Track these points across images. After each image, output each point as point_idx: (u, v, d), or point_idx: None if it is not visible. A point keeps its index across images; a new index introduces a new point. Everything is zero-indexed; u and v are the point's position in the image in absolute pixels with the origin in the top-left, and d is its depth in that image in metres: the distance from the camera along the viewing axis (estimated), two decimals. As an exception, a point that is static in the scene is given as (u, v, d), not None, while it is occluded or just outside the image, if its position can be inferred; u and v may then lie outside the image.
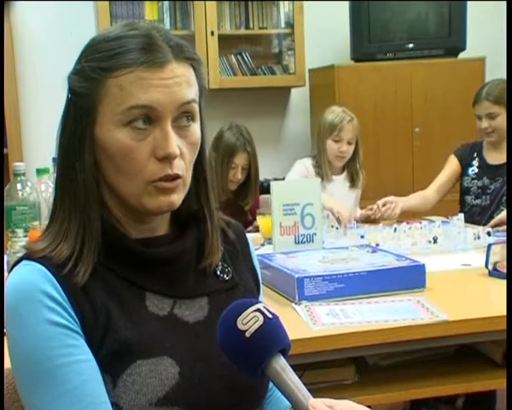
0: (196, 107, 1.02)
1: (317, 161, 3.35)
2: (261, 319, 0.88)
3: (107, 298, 0.98)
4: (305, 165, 3.35)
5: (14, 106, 4.12)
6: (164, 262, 1.04)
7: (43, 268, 0.96)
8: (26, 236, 2.09)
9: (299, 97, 4.71)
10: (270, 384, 1.09)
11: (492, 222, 2.94)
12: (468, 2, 4.46)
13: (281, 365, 0.87)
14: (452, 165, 3.41)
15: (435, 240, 2.63)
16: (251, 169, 3.32)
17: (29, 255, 0.99)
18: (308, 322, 1.71)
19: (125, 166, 0.98)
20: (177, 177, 1.00)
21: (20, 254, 1.02)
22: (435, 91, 4.37)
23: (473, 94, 3.31)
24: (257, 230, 3.02)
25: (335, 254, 2.15)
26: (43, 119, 4.16)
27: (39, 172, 2.39)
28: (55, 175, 1.05)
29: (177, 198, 1.01)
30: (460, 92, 4.24)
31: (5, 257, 2.11)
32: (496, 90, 3.17)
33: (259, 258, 1.71)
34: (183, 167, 1.00)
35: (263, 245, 2.72)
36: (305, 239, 2.44)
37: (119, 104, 0.96)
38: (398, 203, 3.29)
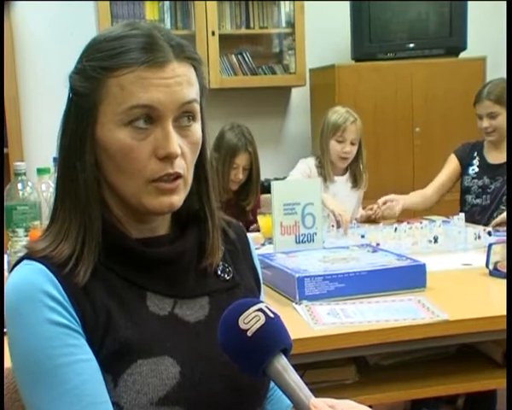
0: (197, 106, 1.02)
1: (320, 161, 3.35)
2: (263, 318, 0.88)
3: (107, 298, 0.98)
4: (308, 165, 3.35)
5: (15, 105, 4.12)
6: (164, 262, 1.04)
7: (44, 268, 0.96)
8: (26, 235, 2.09)
9: (300, 97, 4.71)
10: (272, 383, 1.09)
11: (494, 222, 2.94)
12: (469, 2, 4.45)
13: (282, 364, 0.87)
14: (452, 164, 3.42)
15: (436, 240, 2.63)
16: (252, 169, 3.31)
17: (30, 255, 0.99)
18: (309, 322, 1.71)
19: (126, 166, 0.98)
20: (177, 176, 1.00)
21: (20, 254, 1.02)
22: (436, 91, 4.37)
23: (473, 94, 3.31)
24: (258, 230, 3.02)
25: (336, 254, 2.16)
26: (44, 118, 4.16)
27: (40, 171, 2.39)
28: (55, 175, 1.05)
29: (178, 199, 1.01)
30: (461, 92, 4.23)
31: (6, 257, 2.11)
32: (497, 89, 3.17)
33: (260, 257, 1.71)
34: (184, 167, 1.00)
35: (263, 245, 2.73)
36: (305, 239, 2.44)
37: (120, 104, 0.96)
38: (399, 201, 3.29)
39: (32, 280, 0.95)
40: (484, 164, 3.30)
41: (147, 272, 1.03)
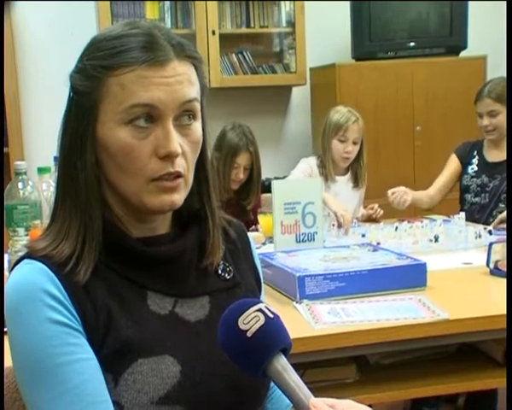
0: (198, 105, 1.02)
1: (321, 160, 3.34)
2: (262, 318, 0.88)
3: (108, 297, 0.98)
4: (309, 164, 3.35)
5: (16, 105, 4.12)
6: (165, 261, 1.04)
7: (45, 267, 0.96)
8: (27, 235, 2.09)
9: (300, 96, 4.71)
10: (272, 383, 1.09)
11: (494, 223, 2.94)
12: (470, 2, 4.45)
13: (282, 364, 0.87)
14: (453, 164, 3.42)
15: (436, 239, 2.63)
16: (253, 169, 3.31)
17: (30, 254, 0.99)
18: (309, 321, 1.71)
19: (127, 165, 0.98)
20: (178, 175, 1.00)
21: (21, 253, 1.02)
22: (436, 90, 4.37)
23: (474, 92, 3.31)
24: (257, 230, 3.02)
25: (336, 253, 2.16)
26: (45, 118, 4.16)
27: (40, 170, 2.39)
28: (56, 174, 1.05)
29: (179, 197, 1.01)
30: (461, 91, 4.23)
31: (6, 256, 2.11)
32: (498, 88, 3.17)
33: (260, 257, 1.71)
34: (184, 166, 1.00)
35: (264, 244, 2.73)
36: (306, 238, 2.44)
37: (121, 103, 0.96)
38: (408, 193, 3.28)
39: (32, 279, 0.95)
40: (483, 163, 3.31)
41: (147, 271, 1.03)
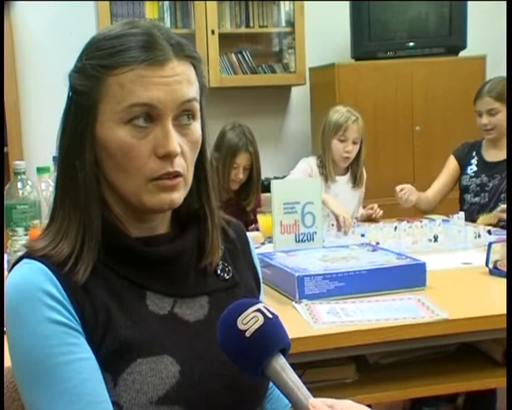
0: (197, 105, 1.02)
1: (321, 160, 3.34)
2: (261, 319, 0.88)
3: (107, 297, 0.98)
4: (309, 164, 3.35)
5: (15, 105, 4.12)
6: (164, 261, 1.04)
7: (44, 267, 0.96)
8: (26, 234, 2.09)
9: (300, 96, 4.71)
10: (271, 383, 1.09)
11: (497, 211, 2.95)
12: (469, 2, 4.45)
13: (281, 364, 0.87)
14: (451, 166, 3.43)
15: (436, 239, 2.63)
16: (253, 169, 3.31)
17: (29, 254, 0.99)
18: (309, 321, 1.71)
19: (126, 164, 0.98)
20: (177, 175, 1.00)
21: (20, 253, 1.02)
22: (436, 90, 4.37)
23: (473, 92, 3.31)
24: (257, 229, 3.02)
25: (336, 253, 2.16)
26: (44, 118, 4.16)
27: (40, 170, 2.39)
28: (55, 174, 1.05)
29: (178, 196, 1.01)
30: (461, 91, 4.23)
31: (5, 256, 2.11)
32: (498, 86, 3.18)
33: (260, 257, 1.71)
34: (183, 166, 1.00)
35: (263, 244, 2.72)
36: (305, 238, 2.44)
37: (120, 102, 0.96)
38: (414, 193, 3.29)
39: (31, 279, 0.95)
40: (482, 162, 3.31)
41: (146, 271, 1.03)
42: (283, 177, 3.76)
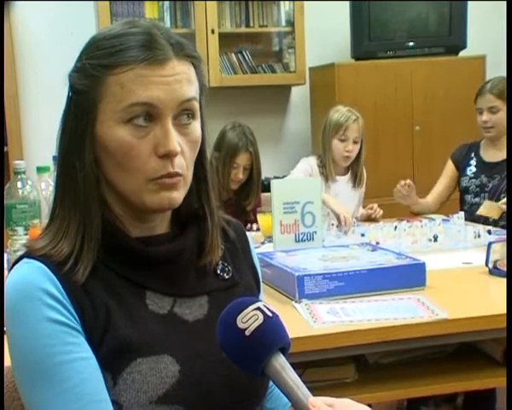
0: (197, 104, 1.02)
1: (321, 160, 3.35)
2: (261, 317, 0.88)
3: (107, 296, 0.98)
4: (309, 164, 3.35)
5: (15, 104, 4.12)
6: (164, 261, 1.04)
7: (44, 266, 0.96)
8: (26, 234, 2.09)
9: (300, 95, 4.71)
10: (271, 382, 1.09)
11: (502, 201, 2.96)
12: (469, 2, 4.45)
13: (280, 363, 0.87)
14: (449, 171, 3.44)
15: (436, 238, 2.63)
16: (253, 169, 3.31)
17: (29, 253, 0.99)
18: (308, 320, 1.71)
19: (126, 164, 0.98)
20: (177, 175, 1.00)
21: (20, 253, 1.02)
22: (436, 90, 4.37)
23: (473, 92, 3.31)
24: (258, 229, 3.02)
25: (336, 253, 2.16)
26: (44, 117, 4.16)
27: (40, 170, 2.39)
28: (55, 173, 1.05)
29: (178, 195, 1.01)
30: (460, 90, 4.23)
31: (5, 255, 2.11)
32: (500, 84, 3.19)
33: (260, 256, 1.71)
34: (183, 165, 1.00)
35: (263, 243, 2.73)
36: (305, 237, 2.44)
37: (120, 101, 0.96)
38: (412, 196, 3.30)
39: (31, 278, 0.95)
40: (481, 163, 3.31)
41: (146, 270, 1.03)
42: (283, 176, 3.76)
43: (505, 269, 2.03)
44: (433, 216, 3.15)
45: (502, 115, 3.17)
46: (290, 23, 4.49)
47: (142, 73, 0.96)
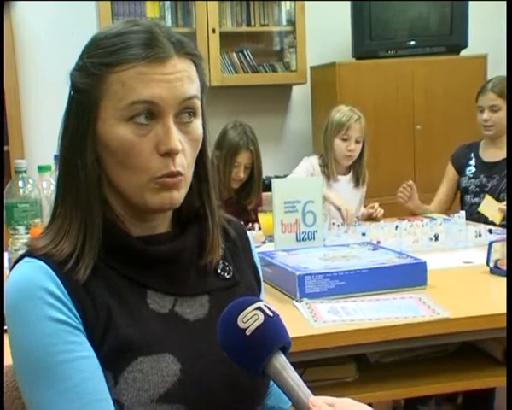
0: (198, 103, 1.02)
1: (323, 159, 3.35)
2: (261, 317, 0.88)
3: (108, 295, 0.98)
4: (311, 163, 3.35)
5: (16, 104, 4.12)
6: (165, 260, 1.04)
7: (45, 265, 0.96)
8: (27, 233, 2.09)
9: (301, 95, 4.71)
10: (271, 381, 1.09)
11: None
12: (470, 2, 4.45)
13: (281, 362, 0.87)
14: (450, 174, 3.45)
15: (436, 238, 2.63)
16: (254, 168, 3.31)
17: (30, 252, 0.99)
18: (309, 319, 1.71)
19: (128, 162, 0.98)
20: (178, 174, 1.00)
21: (21, 252, 1.02)
22: (437, 89, 4.37)
23: (474, 91, 3.31)
24: (259, 228, 3.02)
25: (336, 252, 2.15)
26: (45, 116, 4.16)
27: (41, 169, 2.39)
28: (56, 172, 1.06)
29: (179, 195, 1.01)
30: (461, 90, 4.23)
31: (6, 254, 2.11)
32: (502, 83, 3.19)
33: (260, 255, 1.71)
34: (184, 164, 1.00)
35: (264, 243, 2.72)
36: (306, 237, 2.44)
37: (121, 100, 0.96)
38: (414, 199, 3.31)
39: (32, 277, 0.95)
40: (480, 163, 3.32)
41: (147, 269, 1.03)
42: (284, 176, 3.76)
43: (506, 268, 2.03)
44: (434, 215, 3.15)
45: (502, 114, 3.18)
46: (291, 22, 4.49)
47: (143, 71, 0.96)
